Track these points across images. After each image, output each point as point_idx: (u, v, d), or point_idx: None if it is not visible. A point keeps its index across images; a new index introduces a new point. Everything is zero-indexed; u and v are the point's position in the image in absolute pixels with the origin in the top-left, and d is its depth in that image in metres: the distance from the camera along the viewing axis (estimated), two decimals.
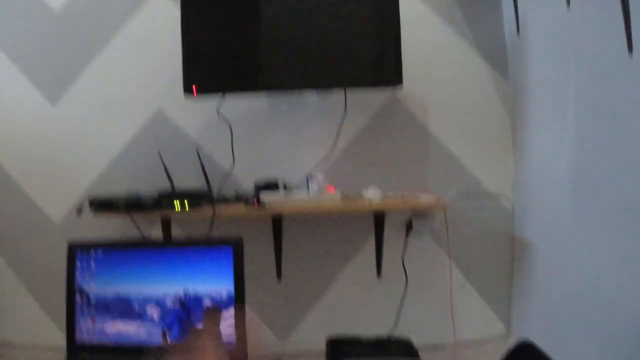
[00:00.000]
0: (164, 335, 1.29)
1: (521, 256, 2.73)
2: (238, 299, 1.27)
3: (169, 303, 1.30)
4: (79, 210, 2.36)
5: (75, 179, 2.77)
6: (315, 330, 2.45)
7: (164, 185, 2.51)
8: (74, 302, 1.32)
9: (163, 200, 2.35)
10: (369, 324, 2.18)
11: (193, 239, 1.44)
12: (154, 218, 2.34)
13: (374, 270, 2.69)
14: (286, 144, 2.71)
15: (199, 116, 2.72)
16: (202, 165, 2.56)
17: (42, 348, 1.92)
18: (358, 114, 2.70)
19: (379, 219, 2.61)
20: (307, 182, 2.47)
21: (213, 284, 1.30)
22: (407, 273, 2.65)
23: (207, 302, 1.28)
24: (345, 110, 2.60)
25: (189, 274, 1.32)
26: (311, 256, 2.70)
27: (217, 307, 1.27)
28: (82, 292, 1.33)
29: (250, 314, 2.67)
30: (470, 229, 2.77)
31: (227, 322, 1.28)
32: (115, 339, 1.31)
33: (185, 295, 1.30)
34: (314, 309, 2.73)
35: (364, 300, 2.73)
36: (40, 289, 2.93)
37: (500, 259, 2.84)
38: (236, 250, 1.28)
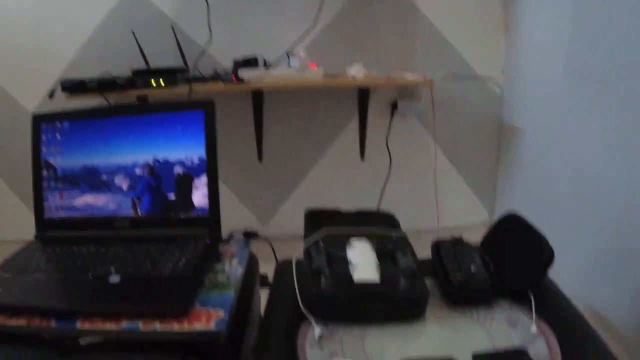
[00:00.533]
0: (134, 206, 1.22)
1: (508, 142, 2.67)
2: (210, 165, 1.19)
3: (138, 172, 1.22)
4: (51, 94, 2.26)
5: (47, 66, 2.65)
6: (297, 213, 2.40)
7: (139, 66, 2.40)
8: (41, 177, 1.25)
9: (138, 79, 2.25)
10: (352, 206, 2.13)
11: (161, 104, 1.35)
12: (129, 98, 2.25)
13: (357, 151, 2.62)
14: (265, 20, 2.56)
15: None
16: (178, 43, 2.43)
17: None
18: None
19: (363, 99, 2.51)
20: (288, 58, 2.35)
21: (184, 151, 1.22)
22: (391, 155, 2.58)
23: (178, 170, 1.20)
24: None
25: (158, 141, 1.24)
26: (293, 137, 2.63)
27: (189, 175, 1.20)
28: (48, 166, 1.25)
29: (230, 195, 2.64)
30: (457, 112, 2.69)
31: (199, 189, 1.21)
32: (84, 212, 1.25)
33: (155, 163, 1.22)
34: (296, 192, 2.69)
35: (347, 182, 2.68)
36: (20, 182, 2.87)
37: (487, 144, 2.78)
38: (207, 113, 1.20)
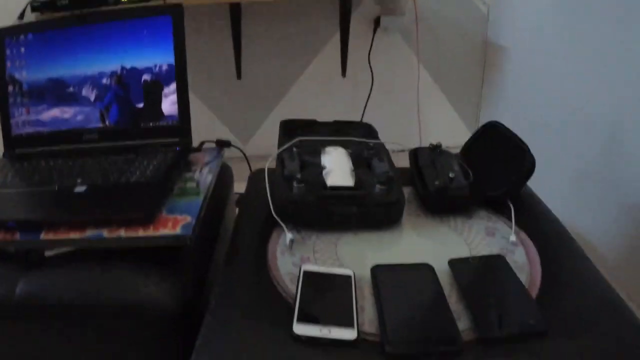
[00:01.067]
0: (102, 117, 1.18)
1: (494, 62, 2.61)
2: (179, 72, 1.14)
3: (106, 81, 1.17)
4: (21, 15, 2.18)
5: None
6: (276, 132, 2.36)
7: None
8: (6, 93, 1.19)
9: None
10: None
11: (127, 10, 1.28)
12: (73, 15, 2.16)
13: (339, 68, 2.55)
14: None
15: None
16: None
17: None
18: None
19: (344, 13, 2.42)
20: None
21: (152, 58, 1.17)
22: (373, 72, 2.52)
23: (146, 78, 1.15)
24: None
25: (125, 49, 1.20)
26: (273, 54, 2.55)
27: (158, 82, 1.14)
28: (13, 80, 1.20)
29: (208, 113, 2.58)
30: (441, 29, 2.61)
31: (169, 97, 1.16)
32: (52, 126, 1.21)
33: (122, 71, 1.17)
34: (276, 109, 2.63)
35: (328, 99, 2.62)
36: None
37: (471, 63, 2.72)
38: (175, 18, 1.14)
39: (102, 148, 1.21)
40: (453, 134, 2.70)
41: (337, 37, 2.48)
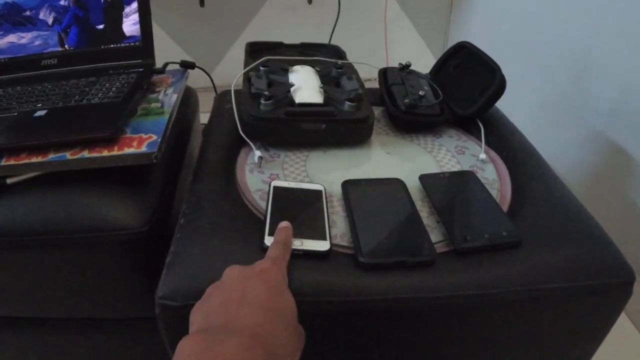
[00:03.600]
0: (61, 40, 1.13)
1: None
2: None
3: (63, 2, 1.12)
4: None
5: None
6: (241, 61, 2.31)
7: None
8: None
9: None
10: None
11: None
12: None
13: None
14: None
15: None
16: None
17: None
18: None
19: None
20: None
21: None
22: None
23: None
24: None
25: None
26: None
27: (118, 2, 1.10)
28: None
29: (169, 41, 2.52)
30: None
31: (130, 17, 1.11)
32: (9, 53, 1.15)
33: None
34: (241, 37, 2.58)
35: (294, 26, 2.57)
36: None
37: None
38: None
39: (62, 73, 1.16)
40: (420, 63, 2.68)
41: None
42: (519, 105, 1.06)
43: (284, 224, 0.71)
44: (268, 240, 0.70)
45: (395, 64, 1.21)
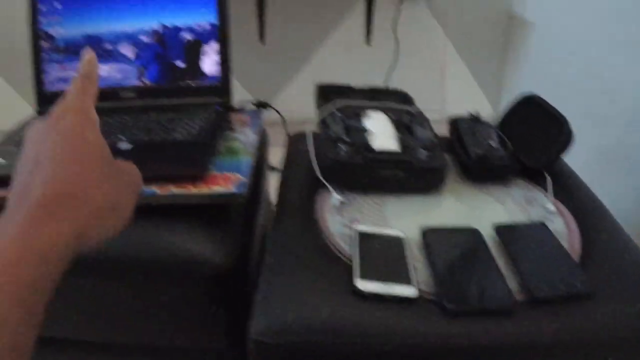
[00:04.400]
0: (141, 75, 1.18)
1: (517, 35, 2.59)
2: (222, 31, 1.14)
3: (145, 39, 1.17)
4: None
5: None
6: (300, 96, 2.35)
7: None
8: (40, 49, 1.19)
9: None
10: None
11: None
12: None
13: (363, 35, 2.55)
14: None
15: None
16: None
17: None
18: None
19: None
20: None
21: (193, 16, 1.17)
22: (399, 41, 2.52)
23: (186, 36, 1.16)
24: None
25: (165, 6, 1.19)
26: (297, 17, 2.54)
27: (198, 41, 1.15)
28: (48, 36, 1.19)
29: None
30: (467, 1, 2.61)
31: (209, 56, 1.16)
32: None
33: (162, 29, 1.17)
34: (298, 75, 2.63)
35: (351, 66, 2.61)
36: (9, 66, 2.80)
37: (495, 36, 2.71)
38: None
39: (140, 106, 1.21)
40: (474, 106, 2.70)
41: (362, 3, 2.46)
42: (574, 154, 1.08)
43: (88, 56, 0.60)
44: (359, 283, 0.74)
45: (450, 106, 1.24)
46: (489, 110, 2.77)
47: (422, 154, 1.01)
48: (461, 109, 2.55)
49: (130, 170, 0.55)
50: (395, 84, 2.55)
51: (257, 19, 2.44)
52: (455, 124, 1.21)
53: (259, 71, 2.59)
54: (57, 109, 0.53)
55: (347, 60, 2.60)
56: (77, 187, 0.45)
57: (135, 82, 1.24)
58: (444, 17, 2.55)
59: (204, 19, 1.20)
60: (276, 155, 1.28)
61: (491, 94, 2.80)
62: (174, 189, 0.89)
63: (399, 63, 2.53)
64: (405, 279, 0.76)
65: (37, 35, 1.25)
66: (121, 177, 0.52)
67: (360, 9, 2.50)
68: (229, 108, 1.21)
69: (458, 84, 2.73)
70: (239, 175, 0.93)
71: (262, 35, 2.48)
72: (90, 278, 0.91)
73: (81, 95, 0.55)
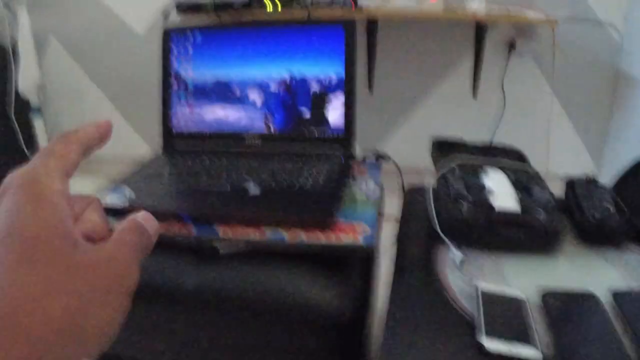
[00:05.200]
0: (267, 121, 1.24)
1: (624, 93, 2.56)
2: (348, 84, 1.19)
3: (273, 87, 1.23)
4: (166, 15, 2.31)
5: None
6: (405, 146, 2.40)
7: None
8: (170, 90, 1.27)
9: (254, 1, 2.27)
10: None
11: (299, 19, 1.35)
12: (243, 20, 2.27)
13: (470, 89, 2.58)
14: None
15: None
16: None
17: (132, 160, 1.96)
18: None
19: (480, 35, 2.45)
20: None
21: (321, 68, 1.23)
22: (505, 95, 2.53)
23: (314, 87, 1.21)
24: None
25: (295, 57, 1.25)
26: (405, 69, 2.60)
27: (325, 92, 1.20)
28: (178, 77, 1.27)
29: None
30: (574, 56, 2.60)
31: (334, 107, 1.21)
32: (214, 127, 1.26)
33: (291, 78, 1.23)
34: (404, 125, 2.67)
35: (457, 119, 2.64)
36: (124, 101, 2.98)
37: (601, 93, 2.69)
38: (348, 30, 1.19)
39: (264, 153, 1.27)
40: (576, 163, 2.68)
41: (470, 57, 2.50)
42: None
43: (102, 122, 0.45)
44: (485, 341, 0.76)
45: (554, 164, 1.24)
46: (591, 167, 2.74)
47: (541, 214, 1.03)
48: (565, 166, 2.54)
49: (114, 261, 0.37)
50: (500, 137, 2.58)
51: (366, 68, 2.51)
52: (571, 185, 1.22)
53: (364, 119, 2.64)
54: (9, 175, 0.37)
55: (453, 112, 2.64)
56: (21, 301, 0.31)
57: (261, 128, 1.30)
58: (551, 72, 2.54)
59: (332, 71, 1.26)
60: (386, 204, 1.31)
61: (595, 151, 2.77)
62: (303, 238, 0.93)
63: (504, 117, 2.54)
64: (528, 341, 0.78)
65: (168, 76, 1.33)
66: (97, 278, 0.35)
67: (468, 62, 2.53)
68: (351, 158, 1.25)
69: (562, 140, 2.71)
70: (364, 226, 0.96)
71: (370, 84, 2.55)
72: (210, 316, 0.96)
73: (48, 159, 0.39)
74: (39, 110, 2.90)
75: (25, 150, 2.86)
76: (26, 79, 2.79)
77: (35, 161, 0.38)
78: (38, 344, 0.30)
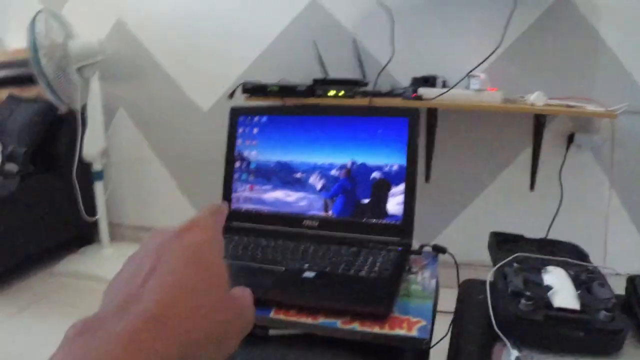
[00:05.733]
0: (326, 206, 1.26)
1: None
2: (410, 174, 1.21)
3: (335, 173, 1.26)
4: (231, 95, 2.40)
5: (225, 71, 2.82)
6: (460, 238, 2.39)
7: (315, 75, 2.47)
8: (233, 168, 1.31)
9: (318, 87, 2.33)
10: None
11: (365, 108, 1.37)
12: (306, 103, 2.33)
13: (528, 181, 2.56)
14: (447, 39, 2.57)
15: (355, 5, 2.63)
16: (359, 55, 2.50)
17: None
18: (526, 10, 2.49)
19: (538, 127, 2.46)
20: (469, 80, 2.35)
21: (384, 157, 1.24)
22: (563, 189, 2.51)
23: (375, 175, 1.23)
24: (515, 4, 2.41)
25: (358, 145, 1.27)
26: (463, 160, 2.60)
27: (386, 181, 1.22)
28: (242, 157, 1.31)
29: None
30: (633, 150, 2.57)
31: (394, 197, 1.22)
32: (273, 207, 1.29)
33: (353, 166, 1.25)
34: (460, 216, 2.66)
35: (514, 212, 2.62)
36: (182, 174, 3.06)
37: None
38: (412, 121, 1.22)
39: (322, 236, 1.28)
40: (637, 259, 2.61)
41: (528, 149, 2.50)
42: None
43: (223, 204, 0.53)
44: None
45: (612, 260, 1.22)
46: None
47: (603, 314, 1.00)
48: (623, 262, 2.48)
49: (245, 303, 0.46)
50: (557, 230, 2.54)
51: (425, 159, 2.53)
52: (633, 282, 1.19)
53: (420, 209, 2.65)
54: (185, 223, 0.46)
55: (509, 204, 2.62)
56: (191, 309, 0.39)
57: (320, 213, 1.32)
58: (610, 166, 2.52)
59: (394, 160, 1.27)
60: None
61: None
62: (357, 326, 0.93)
63: (561, 210, 2.51)
64: None
65: (233, 155, 1.37)
66: (235, 310, 0.44)
67: (526, 153, 2.53)
68: (408, 248, 1.25)
69: (620, 235, 2.65)
70: (421, 320, 0.96)
71: (427, 174, 2.56)
72: None
73: (213, 215, 0.48)
74: (100, 175, 2.99)
75: (84, 214, 2.94)
76: (92, 144, 2.89)
77: (210, 216, 0.47)
78: (195, 342, 0.37)
